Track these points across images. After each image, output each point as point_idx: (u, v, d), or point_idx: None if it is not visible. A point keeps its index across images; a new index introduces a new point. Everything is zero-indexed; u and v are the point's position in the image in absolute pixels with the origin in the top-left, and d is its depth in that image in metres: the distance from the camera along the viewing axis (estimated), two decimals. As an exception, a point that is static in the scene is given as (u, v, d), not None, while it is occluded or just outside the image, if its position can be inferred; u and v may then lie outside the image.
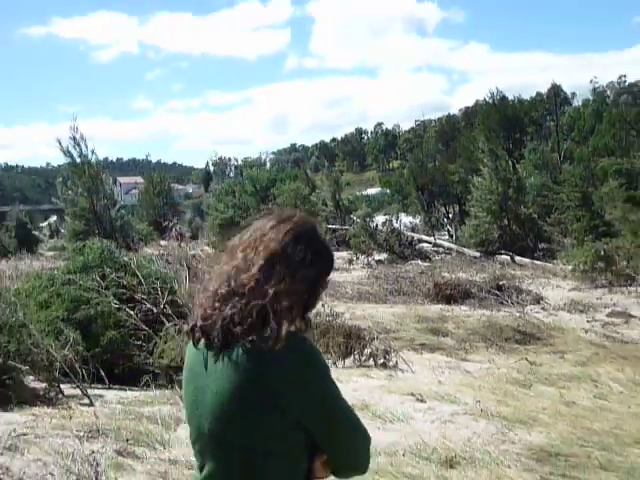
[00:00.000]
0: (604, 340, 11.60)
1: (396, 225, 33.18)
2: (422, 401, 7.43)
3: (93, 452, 5.23)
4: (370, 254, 29.70)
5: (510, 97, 61.72)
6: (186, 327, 1.98)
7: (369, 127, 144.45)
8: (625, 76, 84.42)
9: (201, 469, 1.92)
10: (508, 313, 13.72)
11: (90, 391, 7.64)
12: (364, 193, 64.77)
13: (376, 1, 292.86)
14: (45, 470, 4.90)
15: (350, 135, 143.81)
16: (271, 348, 1.72)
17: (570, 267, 21.25)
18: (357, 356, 9.60)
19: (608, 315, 13.94)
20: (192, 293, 10.51)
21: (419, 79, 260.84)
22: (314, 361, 1.84)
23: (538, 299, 16.22)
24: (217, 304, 1.81)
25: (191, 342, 1.90)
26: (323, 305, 12.56)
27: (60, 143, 28.77)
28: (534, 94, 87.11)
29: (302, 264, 1.87)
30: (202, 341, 1.85)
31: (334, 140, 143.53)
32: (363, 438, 1.93)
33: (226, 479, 1.87)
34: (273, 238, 1.88)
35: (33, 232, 53.17)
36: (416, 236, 33.94)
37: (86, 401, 7.39)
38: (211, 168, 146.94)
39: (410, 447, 5.79)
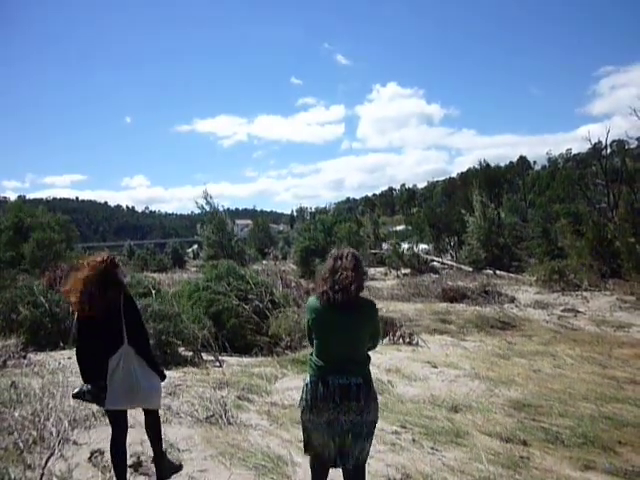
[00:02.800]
0: (559, 328, 11.22)
1: (415, 250, 32.85)
2: (435, 367, 7.31)
3: (222, 397, 5.32)
4: (398, 269, 29.44)
5: (492, 165, 60.78)
6: (315, 296, 2.79)
7: (397, 186, 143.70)
8: (570, 149, 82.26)
9: (324, 357, 2.70)
10: (492, 309, 13.43)
11: (220, 357, 7.73)
12: (394, 229, 64.08)
13: (399, 104, 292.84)
14: (192, 408, 5.00)
15: (384, 191, 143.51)
16: (364, 302, 2.74)
17: (534, 278, 20.78)
18: (391, 337, 9.50)
19: (562, 311, 13.50)
20: (285, 294, 10.63)
21: (429, 154, 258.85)
22: (375, 308, 2.77)
23: (512, 299, 15.81)
24: (341, 286, 2.65)
25: (317, 299, 2.74)
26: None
27: (197, 202, 29.70)
28: (508, 162, 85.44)
29: (362, 271, 2.78)
30: (325, 300, 2.68)
31: (374, 195, 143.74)
32: (380, 338, 3.30)
33: (353, 357, 2.68)
34: (354, 258, 2.77)
35: (182, 255, 54.67)
36: (429, 257, 33.53)
37: (217, 364, 7.47)
38: (295, 214, 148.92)
39: (428, 398, 5.71)
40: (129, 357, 3.09)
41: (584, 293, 16.59)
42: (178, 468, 3.55)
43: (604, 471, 3.91)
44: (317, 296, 2.74)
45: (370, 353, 2.81)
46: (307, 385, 2.72)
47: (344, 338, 2.64)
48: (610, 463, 4.03)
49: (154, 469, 3.56)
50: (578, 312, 13.27)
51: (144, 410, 3.34)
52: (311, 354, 2.79)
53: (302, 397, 2.74)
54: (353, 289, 2.64)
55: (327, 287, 2.67)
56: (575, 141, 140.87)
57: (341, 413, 2.61)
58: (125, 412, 3.26)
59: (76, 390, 3.18)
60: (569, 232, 26.28)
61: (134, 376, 3.10)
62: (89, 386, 3.11)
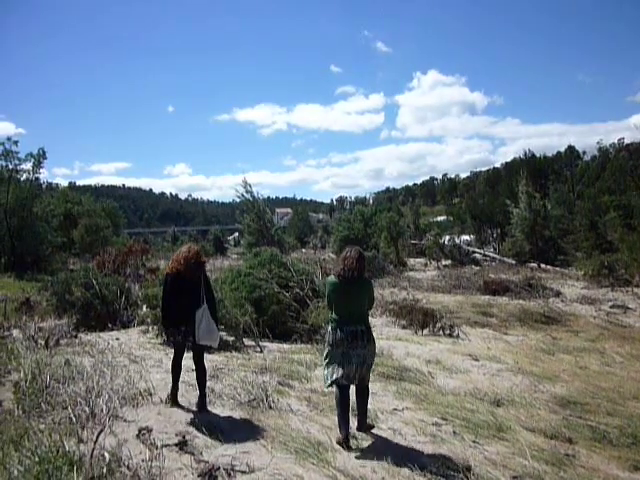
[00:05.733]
0: (608, 324, 10.84)
1: (457, 241, 32.35)
2: (476, 360, 7.19)
3: (264, 382, 5.40)
4: (439, 260, 29.04)
5: (538, 155, 58.84)
6: (333, 275, 4.25)
7: (438, 176, 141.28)
8: (623, 139, 78.30)
9: (339, 314, 4.09)
10: (536, 303, 13.09)
11: (261, 343, 7.84)
12: (435, 220, 63.17)
13: (440, 92, 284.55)
14: (235, 392, 5.10)
15: (425, 181, 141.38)
16: (364, 279, 4.19)
17: (581, 272, 20.13)
18: (431, 328, 9.42)
19: (610, 307, 13.02)
20: (324, 282, 10.66)
21: (471, 144, 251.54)
22: (371, 283, 4.39)
23: (557, 294, 15.38)
24: (350, 267, 4.09)
25: (335, 277, 4.17)
26: (408, 293, 12.45)
27: (237, 190, 29.97)
28: (555, 152, 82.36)
29: (363, 261, 4.19)
30: (340, 278, 4.11)
31: (415, 185, 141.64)
32: (374, 302, 4.56)
33: (358, 313, 4.10)
34: (358, 252, 4.21)
35: (224, 242, 55.69)
36: (471, 249, 32.93)
37: (258, 349, 7.58)
38: (334, 203, 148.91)
39: (469, 391, 5.63)
40: (207, 312, 4.56)
41: (635, 289, 15.95)
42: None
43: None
44: (334, 274, 4.22)
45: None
46: (330, 332, 4.12)
47: (351, 301, 4.10)
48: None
49: (199, 448, 3.68)
50: (628, 308, 12.77)
51: (198, 358, 4.73)
52: (331, 313, 4.21)
53: (327, 339, 4.18)
54: (356, 271, 4.08)
55: (339, 269, 4.15)
56: (627, 130, 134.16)
57: (351, 348, 4.01)
58: (184, 346, 4.71)
59: (170, 331, 4.74)
60: (619, 225, 25.26)
61: (212, 324, 4.59)
62: (183, 328, 4.53)
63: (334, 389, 4.16)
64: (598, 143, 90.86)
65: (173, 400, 4.65)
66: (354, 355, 3.99)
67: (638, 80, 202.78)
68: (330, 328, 4.12)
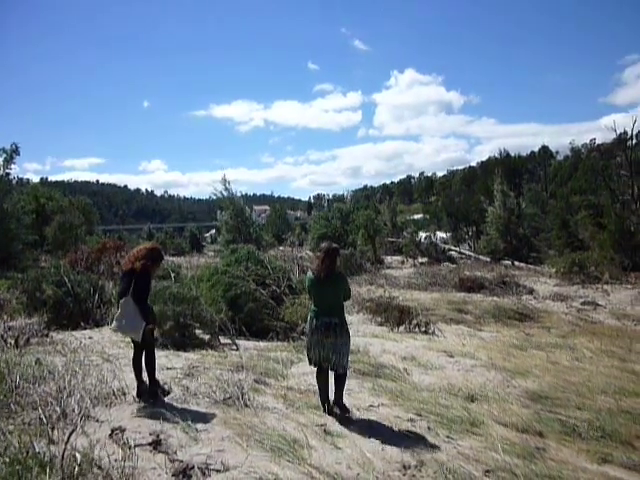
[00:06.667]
0: (579, 320, 11.10)
1: (433, 239, 32.69)
2: (451, 356, 7.29)
3: (239, 380, 5.38)
4: (416, 258, 29.31)
5: (512, 154, 59.83)
6: (310, 272, 4.78)
7: (415, 174, 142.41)
8: (594, 139, 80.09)
9: (317, 306, 4.54)
10: (510, 300, 13.34)
11: (237, 341, 7.80)
12: (412, 218, 63.72)
13: (417, 91, 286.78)
14: (210, 389, 5.07)
15: (403, 179, 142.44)
16: (339, 273, 4.61)
17: (553, 270, 20.58)
18: (407, 325, 9.50)
19: (581, 304, 13.35)
20: (302, 280, 10.67)
21: (448, 143, 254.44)
22: (345, 278, 4.72)
23: (530, 291, 15.72)
24: (321, 267, 4.53)
25: (311, 274, 4.66)
26: (385, 291, 12.54)
27: (215, 188, 29.81)
28: (529, 152, 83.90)
29: (337, 256, 4.60)
30: (315, 275, 4.57)
31: (392, 183, 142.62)
32: (350, 293, 4.83)
33: (333, 306, 4.52)
34: (329, 248, 4.60)
35: (200, 240, 55.19)
36: (446, 246, 33.32)
37: (234, 347, 7.55)
38: (312, 201, 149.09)
39: (443, 387, 5.70)
40: (129, 304, 4.56)
41: (605, 286, 16.35)
42: (164, 393, 4.81)
43: (621, 465, 3.88)
44: (311, 271, 4.74)
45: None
46: (309, 321, 4.64)
47: (326, 295, 4.54)
48: (628, 457, 3.99)
49: (173, 447, 3.65)
50: (598, 305, 13.10)
51: (140, 350, 4.79)
52: (311, 305, 4.71)
53: (306, 327, 4.75)
54: (327, 268, 4.51)
55: (315, 266, 4.68)
56: (599, 131, 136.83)
57: (325, 337, 4.47)
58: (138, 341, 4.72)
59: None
60: (590, 224, 25.91)
61: (132, 317, 4.54)
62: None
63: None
64: (570, 143, 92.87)
65: (137, 396, 4.68)
66: (327, 343, 4.47)
67: (610, 82, 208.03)
68: (309, 318, 4.64)
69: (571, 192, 47.27)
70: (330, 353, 4.47)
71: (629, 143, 26.11)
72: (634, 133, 26.40)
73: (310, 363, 4.70)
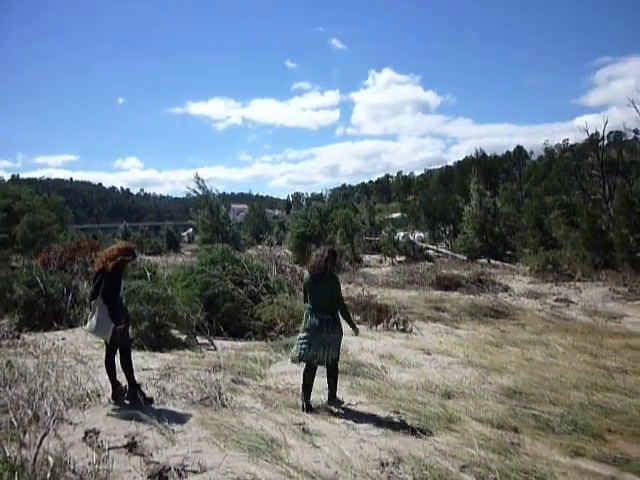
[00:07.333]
0: (552, 317, 11.31)
1: (411, 238, 32.97)
2: (429, 354, 7.37)
3: (217, 380, 5.35)
4: (394, 256, 29.52)
5: (488, 154, 60.74)
6: (307, 272, 5.00)
7: (393, 173, 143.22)
8: (567, 139, 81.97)
9: (312, 304, 4.79)
10: (486, 297, 13.51)
11: (214, 341, 7.75)
12: (390, 217, 64.12)
13: (395, 91, 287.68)
14: (187, 390, 5.03)
15: (381, 178, 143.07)
16: (332, 274, 4.82)
17: (528, 268, 20.94)
18: (385, 323, 9.56)
19: (555, 301, 13.62)
20: (279, 280, 10.64)
21: (425, 142, 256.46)
22: (337, 279, 4.92)
23: (506, 288, 15.95)
24: (318, 264, 4.79)
25: (308, 274, 4.92)
26: (363, 289, 12.57)
27: (188, 186, 29.58)
28: (504, 152, 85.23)
29: (335, 259, 4.87)
30: (311, 273, 4.84)
31: (370, 182, 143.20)
32: (341, 296, 4.98)
33: (326, 303, 4.74)
34: (332, 250, 4.92)
35: (177, 239, 54.60)
36: (424, 245, 33.62)
37: (211, 347, 7.50)
38: (291, 199, 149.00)
39: (421, 384, 5.76)
40: (98, 305, 4.57)
41: (577, 283, 16.72)
42: (146, 399, 4.62)
43: (593, 457, 3.98)
44: (308, 270, 4.98)
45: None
46: (304, 318, 4.87)
47: (320, 293, 4.80)
48: (599, 450, 4.09)
49: (149, 449, 3.60)
50: (571, 302, 13.38)
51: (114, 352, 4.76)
52: (307, 303, 4.91)
53: (303, 323, 4.90)
54: (323, 267, 4.78)
55: (311, 265, 4.90)
56: (572, 131, 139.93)
57: (317, 332, 4.70)
58: (110, 342, 4.69)
59: None
60: (563, 223, 26.45)
61: (100, 319, 4.54)
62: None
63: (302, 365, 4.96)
64: (544, 144, 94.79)
65: (112, 398, 4.66)
66: (319, 339, 4.69)
67: (582, 84, 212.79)
68: (304, 315, 4.91)
69: (545, 192, 48.28)
70: (322, 348, 4.67)
71: (601, 144, 26.77)
72: (605, 134, 27.09)
73: (300, 360, 4.83)
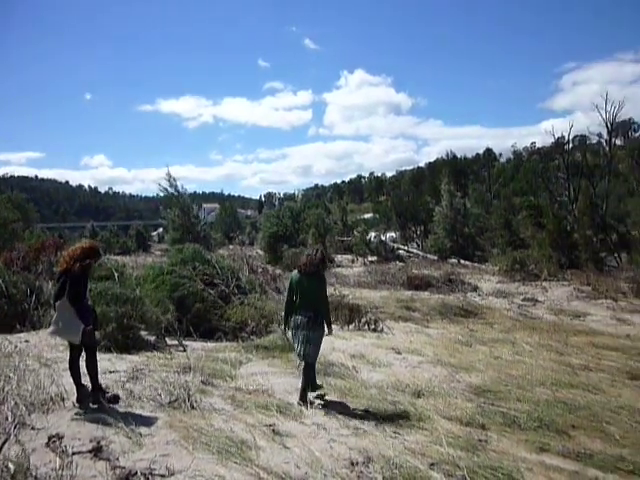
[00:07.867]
0: (519, 316, 11.57)
1: (383, 238, 33.23)
2: (399, 353, 7.44)
3: (186, 381, 5.26)
4: (365, 256, 29.70)
5: (458, 156, 61.69)
6: (296, 269, 5.21)
7: (365, 174, 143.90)
8: (535, 143, 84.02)
9: (298, 302, 5.01)
10: (455, 297, 13.72)
11: (184, 342, 7.66)
12: (362, 217, 64.47)
13: (367, 92, 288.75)
14: (155, 392, 4.93)
15: (353, 179, 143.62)
16: (321, 274, 5.17)
17: (496, 268, 21.33)
18: (357, 323, 9.60)
19: (522, 300, 13.93)
20: (251, 280, 10.57)
21: (397, 143, 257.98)
22: (325, 279, 5.29)
23: (475, 288, 16.23)
24: (310, 263, 5.05)
25: (297, 271, 5.13)
26: (335, 289, 12.61)
27: (160, 184, 28.99)
28: (474, 154, 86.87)
29: (322, 260, 5.16)
30: (301, 272, 5.08)
31: (343, 182, 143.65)
32: (327, 297, 5.27)
33: (312, 302, 4.98)
34: (323, 252, 5.27)
35: (147, 238, 53.71)
36: (395, 245, 33.93)
37: (181, 348, 7.40)
38: (263, 199, 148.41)
39: (391, 383, 5.81)
40: (63, 307, 4.44)
41: (543, 283, 17.13)
42: (112, 399, 4.58)
43: (558, 453, 4.08)
44: (297, 269, 5.17)
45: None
46: (284, 317, 5.25)
47: (309, 292, 5.01)
48: (564, 446, 4.20)
49: (115, 453, 3.53)
50: (537, 301, 13.71)
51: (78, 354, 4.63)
52: (293, 302, 5.09)
53: (290, 323, 5.17)
54: (313, 267, 5.03)
55: (302, 264, 5.09)
56: (539, 135, 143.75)
57: (302, 329, 4.98)
58: (73, 344, 4.55)
59: None
60: (530, 224, 27.08)
61: (65, 320, 4.41)
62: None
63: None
64: (513, 146, 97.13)
65: (77, 401, 4.51)
66: (301, 335, 4.97)
67: (549, 88, 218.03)
68: (284, 314, 5.27)
69: (513, 193, 49.27)
70: (301, 344, 4.95)
71: (566, 147, 27.56)
72: (571, 138, 27.88)
73: (300, 359, 5.13)
